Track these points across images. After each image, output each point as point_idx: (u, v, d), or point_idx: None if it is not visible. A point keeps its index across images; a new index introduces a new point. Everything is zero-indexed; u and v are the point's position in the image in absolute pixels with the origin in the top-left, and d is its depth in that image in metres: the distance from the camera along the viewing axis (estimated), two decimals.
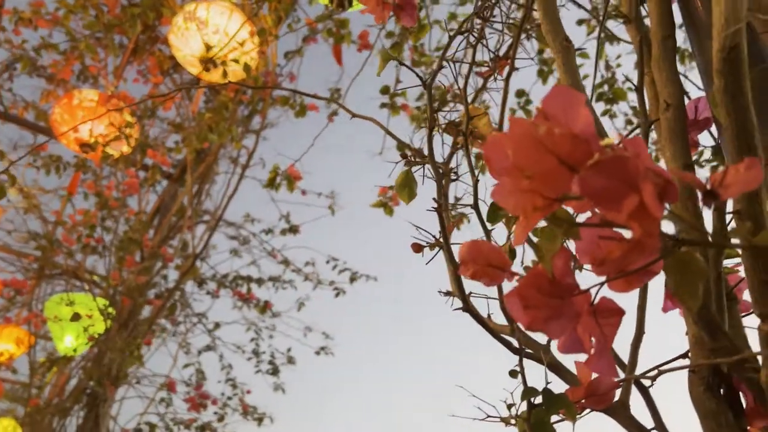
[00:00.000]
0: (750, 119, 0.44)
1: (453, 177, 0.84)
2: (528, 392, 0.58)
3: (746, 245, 0.38)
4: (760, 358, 0.51)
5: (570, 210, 0.38)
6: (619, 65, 2.10)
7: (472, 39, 0.77)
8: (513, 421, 0.76)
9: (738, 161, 0.46)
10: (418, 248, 0.66)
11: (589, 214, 0.37)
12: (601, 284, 0.41)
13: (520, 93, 2.00)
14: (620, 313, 0.42)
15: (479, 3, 0.79)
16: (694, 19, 0.73)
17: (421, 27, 1.71)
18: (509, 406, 0.78)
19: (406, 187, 0.68)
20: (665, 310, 0.69)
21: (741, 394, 0.55)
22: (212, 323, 3.84)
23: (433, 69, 0.81)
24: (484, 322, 0.63)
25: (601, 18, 0.87)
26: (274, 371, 3.84)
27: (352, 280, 3.51)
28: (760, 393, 0.51)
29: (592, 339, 0.42)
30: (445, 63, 0.71)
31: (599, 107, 2.06)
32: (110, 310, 2.85)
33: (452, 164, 0.86)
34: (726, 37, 0.42)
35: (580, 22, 2.11)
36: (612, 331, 0.43)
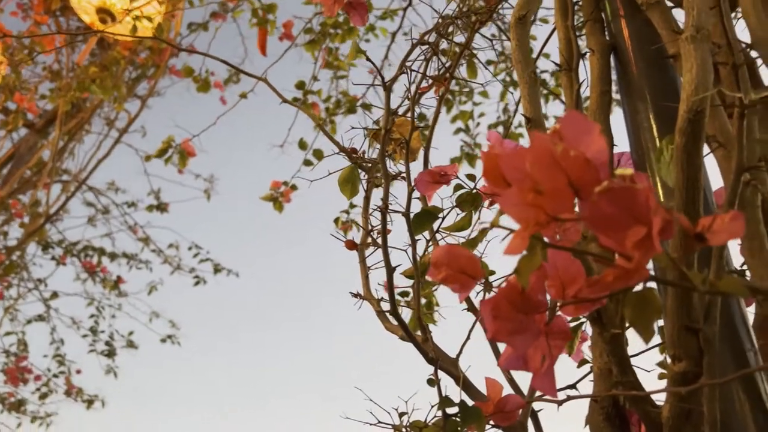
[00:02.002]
0: (701, 178, 0.48)
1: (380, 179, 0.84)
2: (444, 402, 0.59)
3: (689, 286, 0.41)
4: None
5: None
6: (516, 110, 2.23)
7: (427, 53, 0.79)
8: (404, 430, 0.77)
9: (683, 212, 0.51)
10: (352, 245, 0.65)
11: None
12: (560, 306, 0.43)
13: (464, 115, 2.06)
14: (569, 336, 0.45)
15: (438, 20, 0.80)
16: (629, 81, 0.80)
17: (349, 30, 1.71)
18: (401, 415, 0.79)
19: (350, 183, 0.67)
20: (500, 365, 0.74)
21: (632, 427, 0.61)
22: (50, 292, 3.53)
23: (345, 77, 0.82)
24: (407, 330, 0.63)
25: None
26: (110, 353, 3.60)
27: (216, 271, 3.39)
28: (652, 427, 0.56)
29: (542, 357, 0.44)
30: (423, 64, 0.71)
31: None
32: None
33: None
34: (694, 102, 0.47)
35: (489, 62, 2.22)
36: (558, 352, 0.45)
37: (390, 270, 0.62)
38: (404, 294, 0.93)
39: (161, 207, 3.34)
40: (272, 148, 2.08)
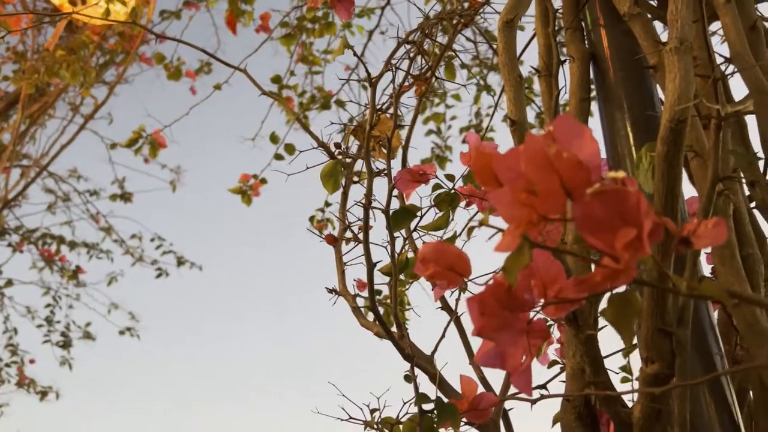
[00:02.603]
0: (680, 186, 0.50)
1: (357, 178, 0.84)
2: (420, 398, 0.59)
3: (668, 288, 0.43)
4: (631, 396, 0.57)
5: None
6: (488, 114, 2.26)
7: (411, 53, 0.79)
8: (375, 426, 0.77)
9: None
10: (332, 240, 0.65)
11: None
12: (543, 306, 0.44)
13: (437, 117, 2.07)
14: (547, 336, 0.45)
15: (424, 20, 0.81)
16: (607, 90, 0.82)
17: (327, 25, 1.71)
18: (372, 411, 0.79)
19: (332, 178, 0.67)
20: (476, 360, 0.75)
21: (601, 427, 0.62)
22: (4, 279, 3.42)
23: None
24: (385, 326, 0.63)
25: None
26: (66, 344, 3.51)
27: (180, 263, 3.34)
28: (623, 428, 0.58)
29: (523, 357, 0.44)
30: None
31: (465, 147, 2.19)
32: None
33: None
34: (677, 112, 0.48)
35: (463, 66, 2.24)
36: (535, 351, 0.46)
37: (371, 265, 0.62)
38: (377, 292, 0.93)
39: (125, 196, 3.27)
40: (244, 141, 2.06)
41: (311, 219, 1.90)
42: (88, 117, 2.82)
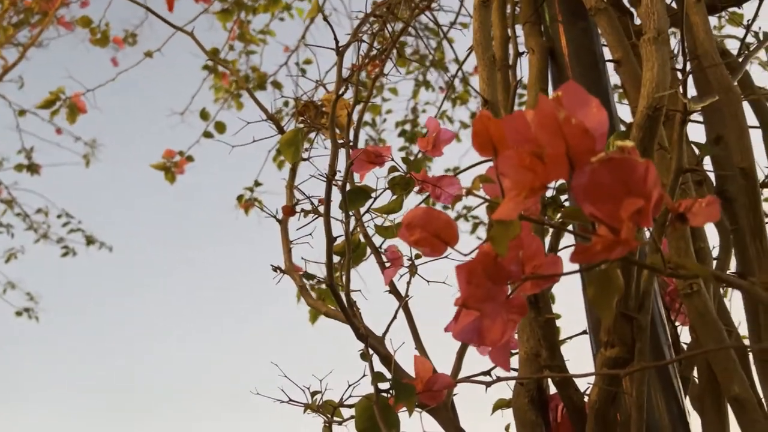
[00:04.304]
0: None
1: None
2: (377, 377, 0.57)
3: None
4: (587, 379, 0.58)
5: None
6: (424, 110, 2.27)
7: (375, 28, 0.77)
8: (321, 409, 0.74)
9: None
10: (290, 211, 0.62)
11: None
12: (523, 281, 0.43)
13: (373, 109, 2.04)
14: (525, 311, 0.45)
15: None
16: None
17: (272, 1, 1.65)
18: (313, 394, 0.77)
19: (293, 147, 0.64)
20: (448, 329, 0.75)
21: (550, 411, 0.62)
22: None
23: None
24: (342, 304, 0.61)
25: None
26: None
27: (89, 243, 3.15)
28: (574, 413, 0.58)
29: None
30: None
31: (400, 141, 2.19)
32: None
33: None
34: (654, 99, 0.49)
35: (404, 61, 2.23)
36: (514, 326, 0.45)
37: (330, 240, 0.60)
38: (311, 276, 0.91)
39: (32, 168, 3.05)
40: (171, 114, 1.96)
41: (239, 198, 1.85)
42: None
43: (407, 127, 2.21)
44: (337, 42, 0.64)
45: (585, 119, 0.35)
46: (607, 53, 0.81)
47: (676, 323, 0.73)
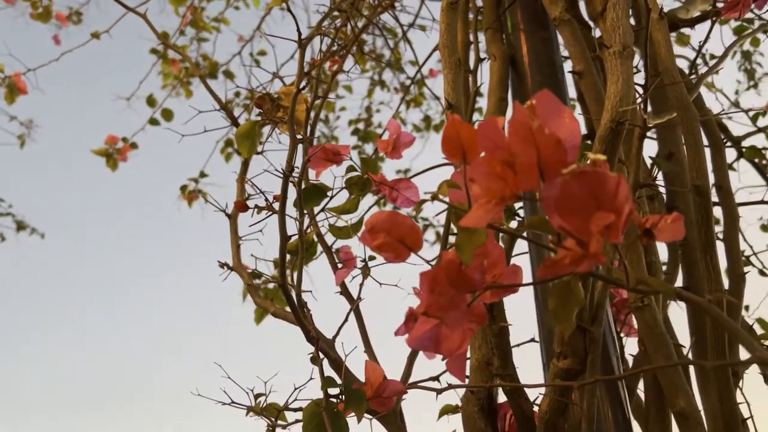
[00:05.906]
0: None
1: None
2: (327, 382, 0.56)
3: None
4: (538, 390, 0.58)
5: None
6: (378, 110, 2.26)
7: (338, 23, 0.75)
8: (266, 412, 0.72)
9: None
10: (242, 206, 0.60)
11: None
12: (484, 289, 0.42)
13: (327, 106, 2.00)
14: (485, 320, 0.44)
15: None
16: (524, 94, 0.83)
17: None
18: (257, 396, 0.74)
19: (249, 140, 0.62)
20: (399, 334, 0.74)
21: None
22: None
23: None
24: (294, 305, 0.59)
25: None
26: None
27: (20, 228, 3.00)
28: (524, 421, 0.58)
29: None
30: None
31: (353, 140, 2.17)
32: None
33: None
34: (618, 113, 0.49)
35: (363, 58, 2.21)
36: (471, 335, 0.44)
37: (285, 238, 0.58)
38: (258, 275, 0.88)
39: None
40: (117, 99, 1.89)
41: (183, 188, 1.79)
42: None
43: (360, 125, 2.20)
44: (299, 33, 0.62)
45: (558, 129, 0.35)
46: (567, 64, 0.82)
47: (622, 334, 0.74)
